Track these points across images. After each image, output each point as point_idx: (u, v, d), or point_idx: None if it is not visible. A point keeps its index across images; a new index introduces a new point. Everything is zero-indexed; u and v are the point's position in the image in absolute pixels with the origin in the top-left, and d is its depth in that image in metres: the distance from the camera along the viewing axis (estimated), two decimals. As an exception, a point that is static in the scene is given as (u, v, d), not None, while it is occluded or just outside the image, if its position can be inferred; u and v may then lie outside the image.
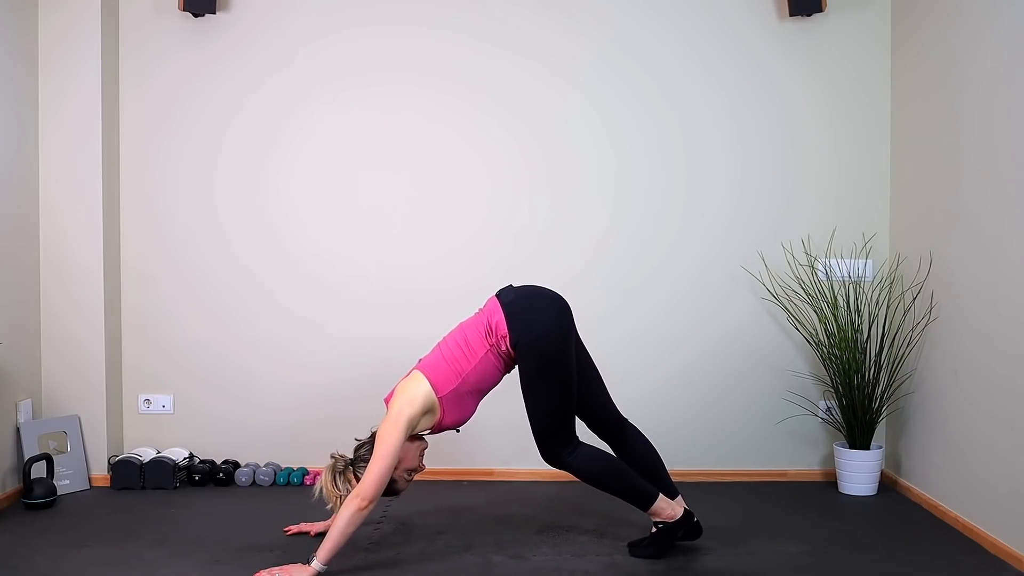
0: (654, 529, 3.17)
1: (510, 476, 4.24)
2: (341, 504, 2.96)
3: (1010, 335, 3.18)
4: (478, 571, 3.06)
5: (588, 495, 3.94)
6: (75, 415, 4.08)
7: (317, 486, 3.08)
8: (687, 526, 3.17)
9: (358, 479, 3.00)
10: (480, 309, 3.16)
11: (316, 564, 2.86)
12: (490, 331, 3.03)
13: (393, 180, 4.25)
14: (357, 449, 3.10)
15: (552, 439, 3.05)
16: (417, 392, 2.99)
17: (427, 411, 3.01)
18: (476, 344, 3.04)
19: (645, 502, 3.11)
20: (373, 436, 3.05)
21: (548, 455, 3.07)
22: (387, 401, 3.09)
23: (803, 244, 4.20)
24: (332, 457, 3.10)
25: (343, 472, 3.05)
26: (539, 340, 3.00)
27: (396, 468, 3.01)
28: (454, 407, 3.05)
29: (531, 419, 3.07)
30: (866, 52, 4.19)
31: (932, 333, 3.78)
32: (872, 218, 4.20)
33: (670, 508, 3.14)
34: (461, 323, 3.16)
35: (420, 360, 3.14)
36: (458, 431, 3.20)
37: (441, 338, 3.18)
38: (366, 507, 2.87)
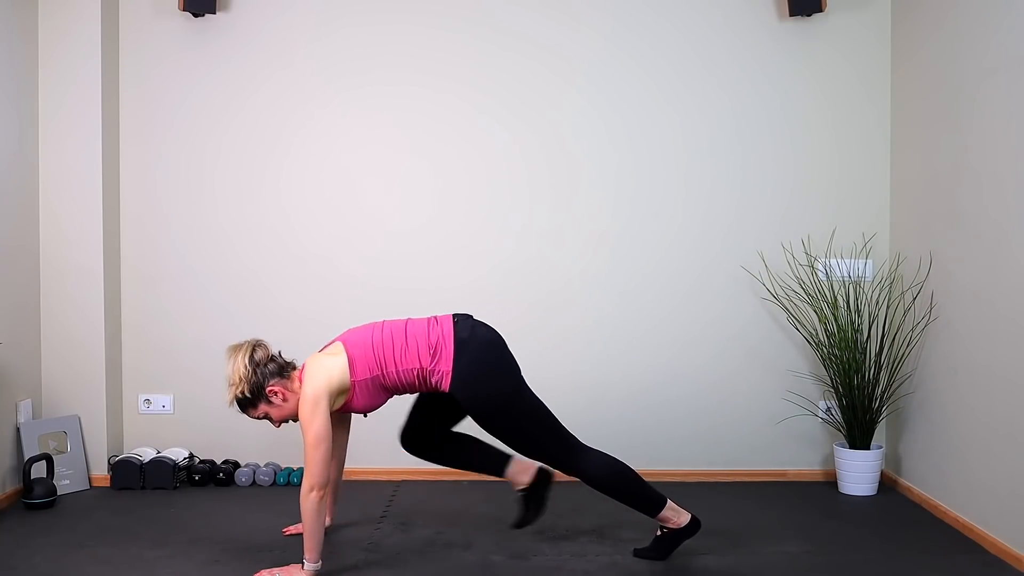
0: (659, 532, 3.17)
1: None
2: (235, 391, 2.96)
3: (1010, 335, 3.17)
4: (478, 571, 3.06)
5: (588, 495, 3.93)
6: (75, 415, 4.08)
7: (230, 365, 2.99)
8: (693, 533, 3.16)
9: (255, 387, 2.97)
10: (435, 323, 3.02)
11: (309, 566, 2.88)
12: (432, 363, 2.94)
13: (394, 180, 4.25)
14: (268, 363, 3.01)
15: (556, 459, 3.05)
16: (334, 368, 2.92)
17: (342, 391, 2.95)
18: (412, 357, 2.95)
19: (654, 508, 3.10)
20: (290, 364, 3.03)
21: (561, 469, 3.07)
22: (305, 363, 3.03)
23: (803, 244, 4.20)
24: (260, 345, 3.04)
25: (259, 365, 2.97)
26: (490, 399, 2.95)
27: (276, 417, 3.01)
28: (365, 394, 2.99)
29: (527, 456, 3.07)
30: (866, 52, 4.19)
31: (932, 333, 3.78)
32: (872, 218, 4.20)
33: (676, 516, 3.12)
34: (410, 320, 3.05)
35: (349, 331, 3.07)
36: (365, 416, 3.15)
37: (380, 320, 3.11)
38: (322, 493, 2.85)
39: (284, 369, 3.03)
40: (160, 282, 4.26)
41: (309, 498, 2.84)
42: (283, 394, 2.99)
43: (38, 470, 3.82)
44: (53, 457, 3.89)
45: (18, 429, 3.90)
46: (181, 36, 4.22)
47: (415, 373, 2.97)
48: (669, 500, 3.11)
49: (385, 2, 4.22)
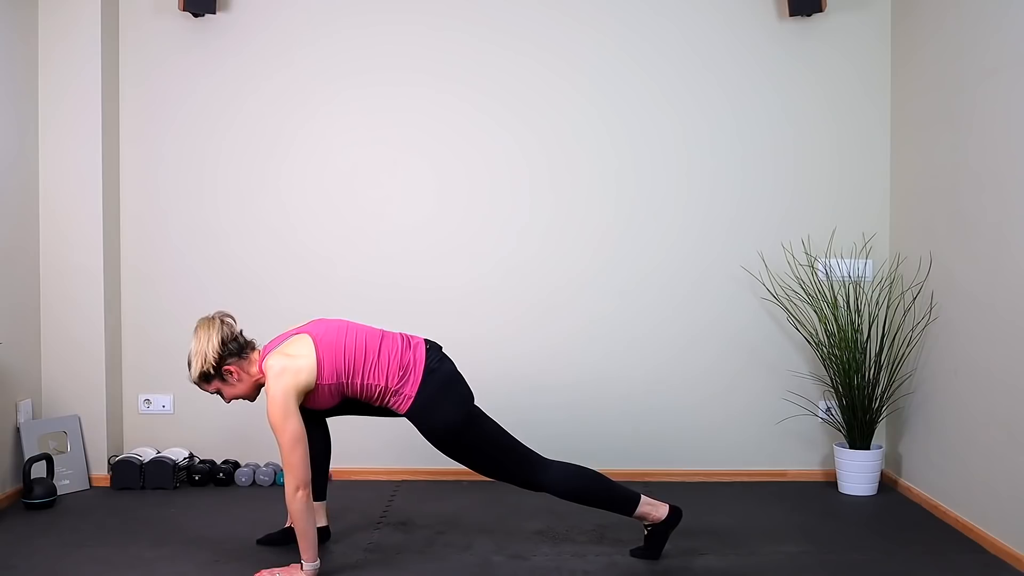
0: (645, 531, 3.17)
1: (510, 476, 4.24)
2: (199, 367, 2.94)
3: (1010, 335, 3.18)
4: (478, 571, 3.06)
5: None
6: (75, 415, 4.08)
7: (200, 340, 2.94)
8: (676, 523, 3.14)
9: (219, 368, 2.95)
10: (408, 345, 3.02)
11: (308, 566, 2.88)
12: (398, 384, 2.95)
13: (394, 180, 4.25)
14: (231, 342, 2.97)
15: (517, 478, 3.06)
16: (303, 369, 2.90)
17: (306, 391, 2.93)
18: (380, 374, 2.96)
19: (628, 507, 3.08)
20: (249, 344, 3.00)
21: (526, 487, 3.08)
22: (267, 350, 3.01)
23: (803, 244, 4.20)
24: (227, 322, 2.99)
25: (224, 344, 2.94)
26: (443, 428, 2.96)
27: (228, 395, 3.01)
28: (325, 397, 2.99)
29: (489, 477, 3.08)
30: (866, 52, 4.19)
31: (932, 333, 3.78)
32: (872, 218, 4.21)
33: (655, 510, 3.11)
34: (385, 335, 3.04)
35: (317, 324, 3.04)
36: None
37: (351, 321, 3.09)
38: (308, 491, 2.86)
39: (244, 349, 3.00)
40: (160, 282, 4.26)
41: (296, 498, 2.85)
42: (238, 374, 2.98)
43: (38, 470, 3.82)
44: (53, 457, 3.89)
45: (18, 429, 3.90)
46: (181, 36, 4.22)
47: (377, 390, 2.98)
48: (643, 496, 3.10)
49: (385, 2, 4.22)
